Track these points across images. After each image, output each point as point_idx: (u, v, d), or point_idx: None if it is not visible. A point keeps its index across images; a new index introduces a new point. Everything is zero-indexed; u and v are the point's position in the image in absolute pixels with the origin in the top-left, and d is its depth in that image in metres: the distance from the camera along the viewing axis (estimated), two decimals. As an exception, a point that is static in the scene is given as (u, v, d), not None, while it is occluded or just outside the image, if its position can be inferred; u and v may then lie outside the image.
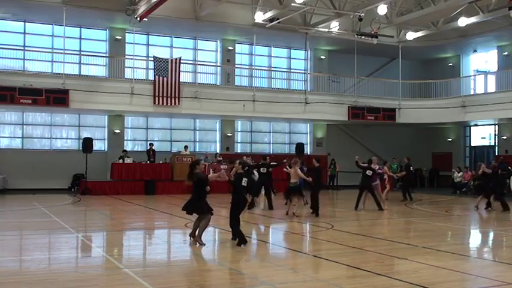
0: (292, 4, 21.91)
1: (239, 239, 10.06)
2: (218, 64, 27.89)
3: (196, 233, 10.04)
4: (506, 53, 27.99)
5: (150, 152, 24.58)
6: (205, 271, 8.41)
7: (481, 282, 7.62)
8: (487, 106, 25.28)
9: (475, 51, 29.99)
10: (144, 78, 25.35)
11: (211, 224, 10.99)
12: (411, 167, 22.86)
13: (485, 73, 30.03)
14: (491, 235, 13.48)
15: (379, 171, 18.35)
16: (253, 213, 16.66)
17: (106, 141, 26.32)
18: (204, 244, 10.01)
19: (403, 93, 28.45)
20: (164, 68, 23.60)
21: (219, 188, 19.42)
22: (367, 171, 17.08)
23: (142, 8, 21.86)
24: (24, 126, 25.33)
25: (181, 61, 24.29)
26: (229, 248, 10.15)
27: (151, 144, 24.99)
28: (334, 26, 25.10)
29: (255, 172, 24.01)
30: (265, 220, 15.16)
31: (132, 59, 24.70)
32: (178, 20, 24.24)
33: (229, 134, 28.32)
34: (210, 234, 11.19)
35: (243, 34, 26.61)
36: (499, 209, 17.07)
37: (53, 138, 25.76)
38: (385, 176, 21.58)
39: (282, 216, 15.31)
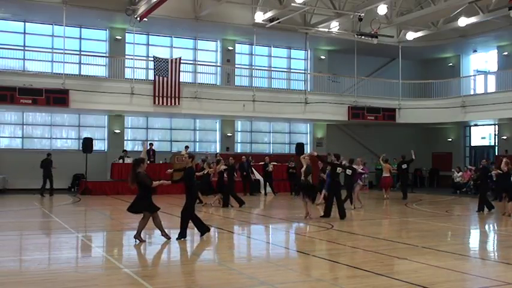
0: (292, 4, 21.91)
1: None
2: (218, 64, 27.89)
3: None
4: (506, 53, 27.99)
5: (150, 152, 24.56)
6: (205, 271, 8.41)
7: (481, 282, 7.62)
8: (487, 106, 25.28)
9: (475, 51, 29.99)
10: (144, 78, 25.35)
11: (211, 223, 11.01)
12: (403, 166, 22.87)
13: (485, 73, 30.03)
14: (491, 235, 13.49)
15: (362, 171, 18.33)
16: (252, 213, 16.68)
17: (106, 141, 26.32)
18: (145, 241, 10.36)
19: (403, 93, 28.45)
20: (164, 68, 23.59)
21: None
22: (347, 170, 16.79)
23: (142, 8, 21.86)
24: (24, 126, 25.33)
25: (181, 61, 24.29)
26: (229, 248, 10.16)
27: (151, 144, 24.98)
28: (334, 26, 25.11)
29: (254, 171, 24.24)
30: (265, 220, 15.16)
31: (132, 59, 24.71)
32: (178, 20, 24.24)
33: (229, 134, 28.32)
34: (211, 234, 11.19)
35: (243, 34, 26.61)
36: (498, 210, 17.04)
37: (53, 138, 25.76)
38: (387, 174, 21.61)
39: (282, 216, 15.30)
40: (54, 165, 22.09)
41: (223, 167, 17.74)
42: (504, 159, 16.55)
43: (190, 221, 10.71)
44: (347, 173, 16.51)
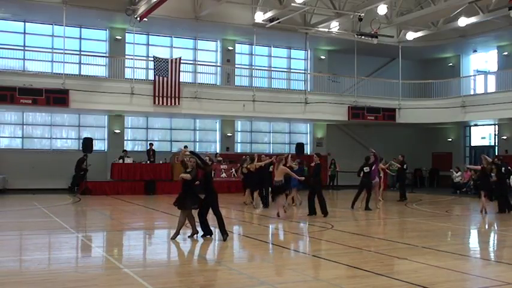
0: (292, 4, 21.91)
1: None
2: (218, 64, 27.90)
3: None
4: (506, 53, 27.99)
5: (150, 152, 24.57)
6: (205, 271, 8.41)
7: (481, 282, 7.62)
8: (487, 106, 25.28)
9: (475, 51, 30.00)
10: (144, 78, 25.35)
11: (212, 223, 11.02)
12: (405, 165, 22.83)
13: (485, 73, 30.03)
14: (491, 235, 13.48)
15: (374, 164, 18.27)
16: (253, 213, 16.67)
17: (106, 141, 26.31)
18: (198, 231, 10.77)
19: (403, 93, 28.45)
20: (164, 68, 23.59)
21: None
22: (365, 168, 16.83)
23: (142, 8, 21.86)
24: (24, 126, 25.32)
25: (181, 61, 24.29)
26: (229, 248, 10.16)
27: (151, 144, 24.98)
28: (334, 26, 25.11)
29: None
30: (265, 220, 15.14)
31: (132, 59, 24.70)
32: (178, 20, 24.24)
33: (229, 134, 28.32)
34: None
35: (243, 34, 26.61)
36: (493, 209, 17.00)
37: (53, 138, 25.75)
38: (381, 174, 21.54)
39: (282, 216, 15.26)
40: (84, 165, 23.02)
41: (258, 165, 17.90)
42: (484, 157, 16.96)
43: (199, 218, 10.81)
44: (365, 170, 16.49)
